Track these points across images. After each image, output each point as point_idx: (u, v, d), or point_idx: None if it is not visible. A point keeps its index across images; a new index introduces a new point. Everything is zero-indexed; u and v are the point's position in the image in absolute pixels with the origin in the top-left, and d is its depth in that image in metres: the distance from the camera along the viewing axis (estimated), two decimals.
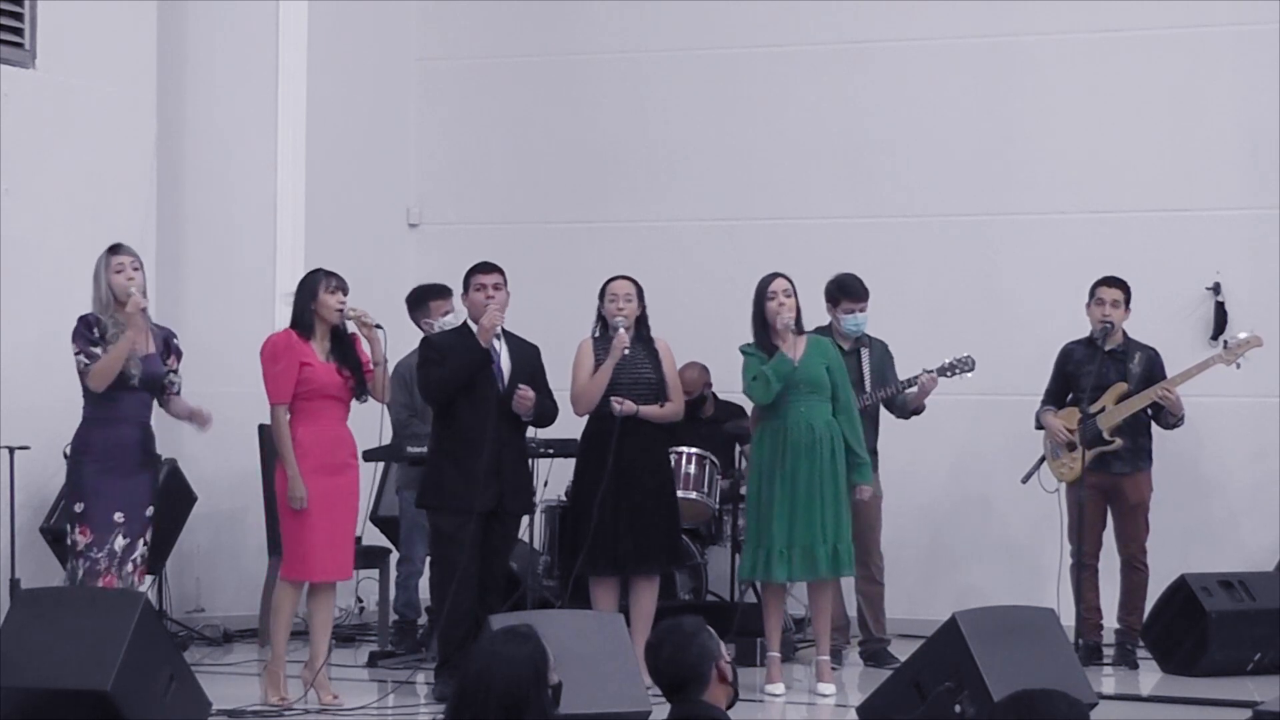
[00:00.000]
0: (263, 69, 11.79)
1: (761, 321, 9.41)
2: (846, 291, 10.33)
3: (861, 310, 10.31)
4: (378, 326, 8.86)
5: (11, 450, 9.66)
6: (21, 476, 9.82)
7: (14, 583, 9.57)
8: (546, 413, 9.37)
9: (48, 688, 7.51)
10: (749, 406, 10.88)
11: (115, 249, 8.69)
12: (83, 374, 8.51)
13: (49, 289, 10.09)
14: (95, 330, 8.53)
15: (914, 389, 10.31)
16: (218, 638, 11.08)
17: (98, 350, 8.49)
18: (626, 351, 9.38)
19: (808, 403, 9.33)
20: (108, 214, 10.39)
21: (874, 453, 10.36)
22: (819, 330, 10.19)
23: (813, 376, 9.34)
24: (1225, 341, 10.53)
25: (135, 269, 8.65)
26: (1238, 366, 10.28)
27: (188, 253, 11.55)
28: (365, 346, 8.92)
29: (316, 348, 8.89)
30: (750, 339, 9.49)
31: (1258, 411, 11.27)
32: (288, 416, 8.84)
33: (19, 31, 10.27)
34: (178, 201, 11.45)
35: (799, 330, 9.46)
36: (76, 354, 8.52)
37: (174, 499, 10.53)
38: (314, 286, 8.90)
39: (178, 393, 8.85)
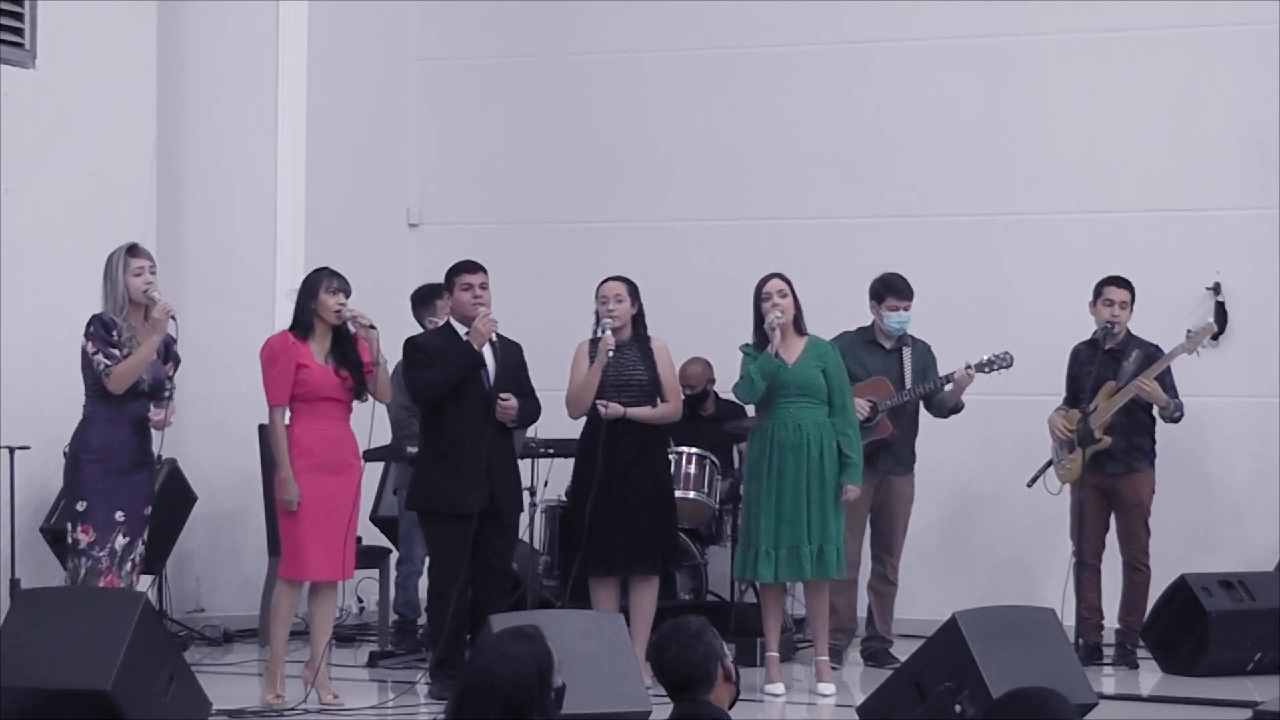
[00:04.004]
0: (263, 69, 11.78)
1: (760, 321, 9.41)
2: (891, 289, 10.31)
3: (905, 309, 10.28)
4: (371, 327, 8.84)
5: (11, 450, 9.66)
6: (21, 476, 9.81)
7: (14, 583, 9.56)
8: (529, 414, 9.35)
9: (48, 688, 7.49)
10: (751, 406, 10.90)
11: (134, 250, 8.60)
12: (103, 375, 8.42)
13: (49, 289, 10.10)
14: (114, 333, 8.46)
15: (950, 385, 10.30)
16: (218, 638, 11.08)
17: (117, 352, 8.44)
18: (611, 353, 9.34)
19: (796, 404, 9.31)
20: (108, 214, 10.38)
21: (913, 454, 10.36)
22: (860, 330, 10.22)
23: (804, 379, 9.33)
24: (1188, 332, 10.47)
25: (153, 273, 8.61)
26: (1198, 355, 10.30)
27: (188, 253, 11.54)
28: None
29: (315, 348, 8.87)
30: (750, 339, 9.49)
31: (1258, 411, 11.27)
32: (285, 418, 8.84)
33: (19, 31, 10.26)
34: (178, 201, 11.44)
35: (801, 331, 9.45)
36: (94, 353, 8.42)
37: (174, 499, 10.52)
38: (315, 286, 8.88)
39: (169, 397, 8.74)
